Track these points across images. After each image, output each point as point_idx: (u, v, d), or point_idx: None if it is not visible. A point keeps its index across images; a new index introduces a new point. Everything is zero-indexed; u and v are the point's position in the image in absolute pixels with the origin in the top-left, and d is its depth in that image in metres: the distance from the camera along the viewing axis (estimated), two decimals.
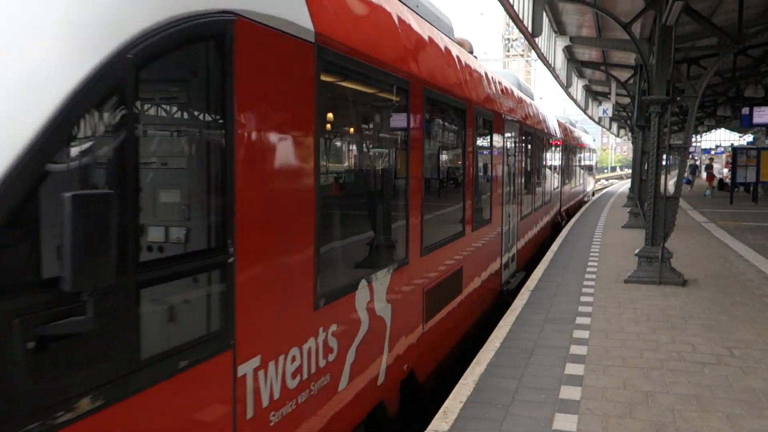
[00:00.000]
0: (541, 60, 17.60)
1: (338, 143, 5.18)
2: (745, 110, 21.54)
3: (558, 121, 20.41)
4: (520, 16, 12.81)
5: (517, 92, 12.05)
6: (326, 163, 4.51)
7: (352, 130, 5.40)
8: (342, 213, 4.78)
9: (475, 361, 6.32)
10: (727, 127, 43.12)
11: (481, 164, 8.87)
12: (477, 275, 8.41)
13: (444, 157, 7.74)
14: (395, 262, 5.31)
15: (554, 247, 14.13)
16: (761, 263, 11.61)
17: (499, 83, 10.14)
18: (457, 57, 7.50)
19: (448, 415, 4.97)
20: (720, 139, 66.45)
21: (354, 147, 5.36)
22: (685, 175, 36.37)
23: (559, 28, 16.54)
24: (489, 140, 9.20)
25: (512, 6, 12.15)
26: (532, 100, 14.78)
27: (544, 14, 14.36)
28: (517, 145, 11.53)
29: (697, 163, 45.53)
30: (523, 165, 12.56)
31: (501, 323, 7.75)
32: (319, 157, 3.84)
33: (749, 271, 10.95)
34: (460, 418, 4.92)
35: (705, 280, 10.19)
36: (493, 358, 6.34)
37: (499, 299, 10.07)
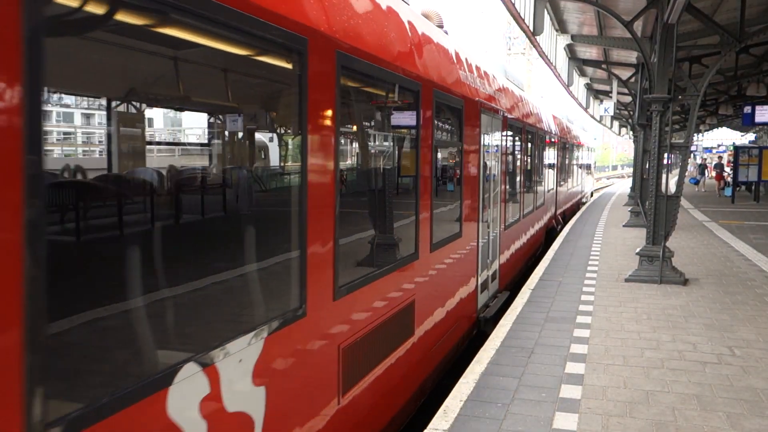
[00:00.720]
0: (543, 58, 17.56)
1: (141, 127, 2.94)
2: (747, 109, 21.48)
3: (553, 116, 19.05)
4: (522, 15, 12.77)
5: (501, 80, 10.44)
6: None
7: (170, 103, 3.21)
8: (149, 240, 2.87)
9: (475, 359, 6.32)
10: (728, 126, 43.06)
11: (445, 163, 7.40)
12: (439, 306, 6.70)
13: (381, 153, 5.84)
14: (277, 318, 3.53)
15: (555, 245, 14.11)
16: (762, 262, 11.59)
17: (477, 67, 8.45)
18: (408, 23, 5.74)
19: (448, 413, 4.97)
20: (721, 137, 66.39)
21: (186, 130, 3.34)
22: (695, 174, 36.19)
23: (561, 27, 16.50)
24: (459, 134, 7.49)
25: (513, 4, 12.12)
26: (523, 90, 13.43)
27: (546, 12, 14.33)
28: (500, 141, 9.91)
29: (706, 161, 45.10)
30: (510, 165, 11.04)
31: (502, 322, 7.74)
32: (38, 144, 2.06)
33: (750, 270, 10.93)
34: (460, 416, 4.92)
35: (706, 279, 10.17)
36: (493, 357, 6.34)
37: (475, 329, 8.51)
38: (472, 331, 8.40)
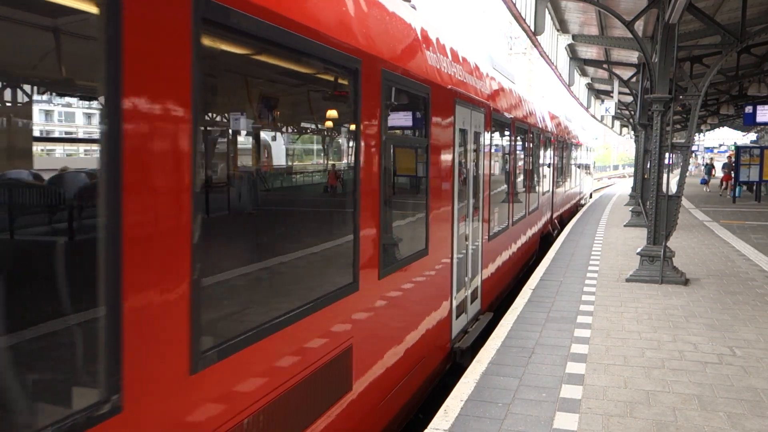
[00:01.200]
0: (544, 58, 17.55)
1: None
2: (748, 109, 21.49)
3: (550, 113, 17.71)
4: (523, 15, 12.77)
5: (486, 69, 9.17)
6: None
7: None
8: None
9: (476, 359, 6.32)
10: (730, 126, 43.03)
11: (401, 164, 5.99)
12: (393, 345, 5.36)
13: (295, 151, 4.46)
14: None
15: (556, 245, 14.11)
16: (763, 262, 11.59)
17: (453, 51, 7.16)
18: None
19: (448, 413, 4.97)
20: (723, 137, 66.42)
21: None
22: (703, 174, 35.91)
23: (562, 26, 16.49)
24: (423, 128, 6.16)
25: (515, 4, 12.12)
26: (513, 82, 12.18)
27: (547, 12, 14.32)
28: (483, 138, 8.57)
29: (714, 161, 44.90)
30: (495, 166, 9.79)
31: (502, 322, 7.75)
32: None
33: (751, 270, 10.92)
34: (460, 416, 4.92)
35: (707, 279, 10.17)
36: (494, 357, 6.35)
37: (448, 363, 7.15)
38: (445, 365, 7.05)
